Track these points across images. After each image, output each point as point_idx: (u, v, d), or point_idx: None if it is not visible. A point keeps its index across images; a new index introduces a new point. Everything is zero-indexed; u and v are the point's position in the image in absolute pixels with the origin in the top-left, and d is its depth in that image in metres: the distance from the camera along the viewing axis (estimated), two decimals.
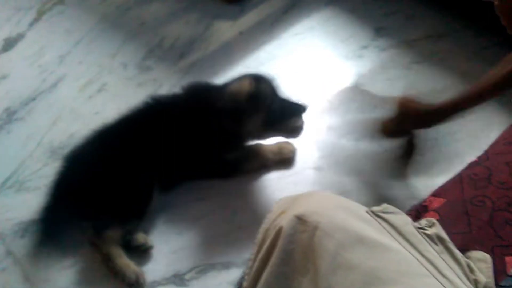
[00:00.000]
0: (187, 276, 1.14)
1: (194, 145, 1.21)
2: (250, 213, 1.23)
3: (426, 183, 1.20)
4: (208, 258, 1.17)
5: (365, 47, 1.60)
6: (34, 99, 1.52)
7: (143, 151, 1.18)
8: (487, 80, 0.95)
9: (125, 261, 1.13)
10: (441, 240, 0.66)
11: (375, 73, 1.51)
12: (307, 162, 1.34)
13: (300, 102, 1.30)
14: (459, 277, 0.62)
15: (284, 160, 1.33)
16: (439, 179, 1.15)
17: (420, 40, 1.59)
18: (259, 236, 0.75)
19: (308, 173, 1.32)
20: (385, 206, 0.70)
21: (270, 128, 1.29)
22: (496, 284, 0.66)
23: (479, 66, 1.49)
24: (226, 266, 1.15)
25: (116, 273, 1.12)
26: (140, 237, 1.17)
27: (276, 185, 1.30)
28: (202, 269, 1.16)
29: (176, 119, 1.21)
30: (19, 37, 1.72)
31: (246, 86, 1.18)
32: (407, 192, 1.22)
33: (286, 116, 1.30)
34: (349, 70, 1.54)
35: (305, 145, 1.37)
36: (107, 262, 1.13)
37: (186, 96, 1.26)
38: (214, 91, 1.24)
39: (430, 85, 1.46)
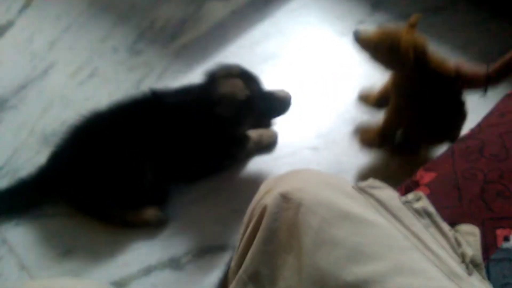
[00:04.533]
0: (183, 260, 1.15)
1: (187, 143, 1.19)
2: (245, 196, 1.19)
3: (425, 160, 1.18)
4: (204, 242, 1.17)
5: (361, 22, 1.56)
6: (25, 86, 1.50)
7: (136, 138, 1.16)
8: None
9: (140, 215, 1.19)
10: (428, 213, 0.65)
11: None
12: (303, 142, 1.32)
13: (284, 97, 1.25)
14: (445, 251, 0.61)
15: (265, 147, 1.31)
16: None
17: (418, 13, 1.54)
18: (246, 215, 0.74)
19: (304, 153, 1.31)
20: (371, 181, 0.68)
21: (257, 124, 1.27)
22: (487, 257, 0.64)
23: (477, 39, 1.47)
24: (222, 248, 1.15)
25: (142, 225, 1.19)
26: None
27: (271, 167, 1.29)
28: (198, 252, 1.16)
29: (169, 115, 1.18)
30: (9, 24, 1.69)
31: (240, 87, 1.13)
32: (405, 170, 1.20)
33: (273, 112, 1.26)
34: (345, 46, 1.51)
35: (301, 125, 1.35)
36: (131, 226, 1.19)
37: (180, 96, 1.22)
38: (202, 92, 1.18)
39: None
